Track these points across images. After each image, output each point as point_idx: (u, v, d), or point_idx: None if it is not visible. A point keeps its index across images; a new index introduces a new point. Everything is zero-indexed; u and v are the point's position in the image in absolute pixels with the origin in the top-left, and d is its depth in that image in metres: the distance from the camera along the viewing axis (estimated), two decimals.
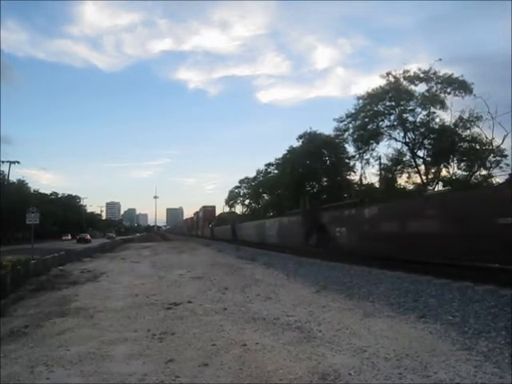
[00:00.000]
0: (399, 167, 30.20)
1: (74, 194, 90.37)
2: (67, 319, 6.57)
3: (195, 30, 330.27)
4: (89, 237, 51.46)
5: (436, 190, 26.85)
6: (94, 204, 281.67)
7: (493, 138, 25.78)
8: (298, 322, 5.94)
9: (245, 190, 64.96)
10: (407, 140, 29.15)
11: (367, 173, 32.15)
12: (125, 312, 7.04)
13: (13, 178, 55.25)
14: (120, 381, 3.85)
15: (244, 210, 64.00)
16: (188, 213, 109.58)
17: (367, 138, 29.39)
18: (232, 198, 69.42)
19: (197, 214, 77.70)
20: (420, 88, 28.22)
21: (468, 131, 26.97)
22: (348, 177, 34.95)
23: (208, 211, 68.06)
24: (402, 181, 30.85)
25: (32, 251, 16.65)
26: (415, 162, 29.22)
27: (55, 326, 6.11)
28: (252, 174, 55.99)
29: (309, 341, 5.01)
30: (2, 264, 10.63)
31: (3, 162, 45.26)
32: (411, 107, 28.39)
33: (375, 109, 28.99)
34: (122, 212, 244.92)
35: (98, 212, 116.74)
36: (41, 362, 4.42)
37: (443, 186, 27.24)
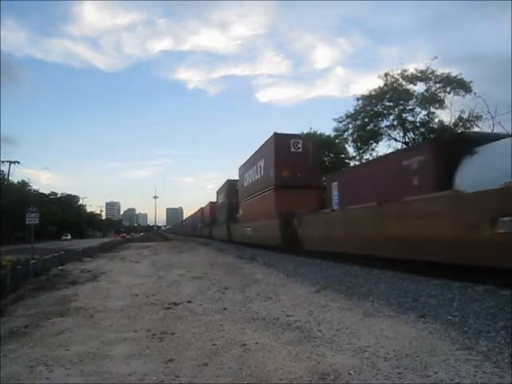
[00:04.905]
0: None
1: (73, 194, 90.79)
2: (67, 319, 6.56)
3: (195, 30, 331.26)
4: (125, 234, 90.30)
5: None
6: (94, 204, 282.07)
7: None
8: (297, 322, 5.93)
9: None
10: (407, 140, 29.19)
11: None
12: (124, 312, 7.04)
13: (13, 178, 55.40)
14: (120, 381, 3.85)
15: None
16: (188, 212, 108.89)
17: (367, 138, 29.42)
18: None
19: (230, 186, 32.62)
20: (419, 87, 28.26)
21: (468, 131, 27.00)
22: None
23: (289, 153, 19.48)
24: None
25: (32, 251, 16.66)
26: None
27: (55, 326, 6.10)
28: None
29: (309, 341, 5.01)
30: (1, 264, 10.63)
31: (3, 161, 45.34)
32: (410, 107, 28.42)
33: (374, 109, 29.01)
34: (121, 212, 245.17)
35: (98, 212, 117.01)
36: (40, 362, 4.41)
37: None
